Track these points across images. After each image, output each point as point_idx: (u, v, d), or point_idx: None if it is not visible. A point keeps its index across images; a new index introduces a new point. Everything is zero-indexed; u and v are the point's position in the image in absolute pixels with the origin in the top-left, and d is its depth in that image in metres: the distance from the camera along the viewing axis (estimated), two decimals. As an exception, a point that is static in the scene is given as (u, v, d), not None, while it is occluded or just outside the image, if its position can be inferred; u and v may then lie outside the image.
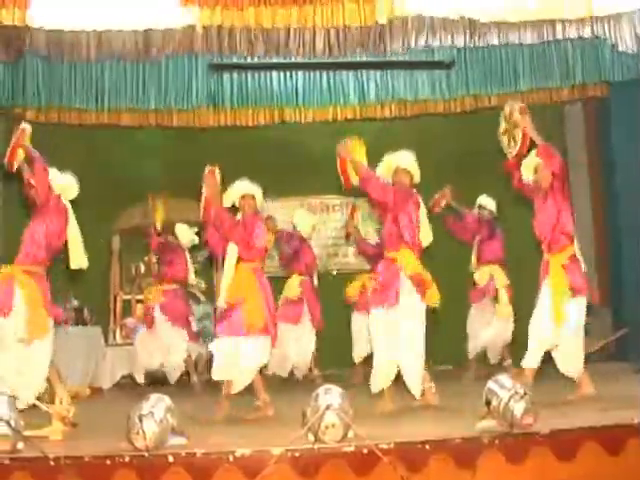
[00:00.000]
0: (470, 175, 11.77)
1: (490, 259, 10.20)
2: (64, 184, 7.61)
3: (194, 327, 10.79)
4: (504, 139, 8.12)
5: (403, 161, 7.82)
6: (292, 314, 10.26)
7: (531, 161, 7.87)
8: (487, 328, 10.12)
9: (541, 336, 7.51)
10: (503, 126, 8.17)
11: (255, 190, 7.92)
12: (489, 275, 10.12)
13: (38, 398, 7.06)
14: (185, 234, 10.63)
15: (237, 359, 7.42)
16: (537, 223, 7.79)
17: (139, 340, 10.49)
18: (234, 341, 7.41)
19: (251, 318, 7.42)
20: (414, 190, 7.78)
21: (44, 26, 8.13)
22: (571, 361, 7.65)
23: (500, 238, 10.32)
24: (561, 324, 7.45)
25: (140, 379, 10.50)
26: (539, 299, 7.61)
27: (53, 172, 7.54)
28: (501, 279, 10.07)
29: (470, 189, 10.49)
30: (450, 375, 10.33)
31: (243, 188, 7.89)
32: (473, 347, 10.39)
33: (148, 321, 10.39)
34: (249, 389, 7.59)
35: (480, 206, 10.41)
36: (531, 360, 7.55)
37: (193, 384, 10.30)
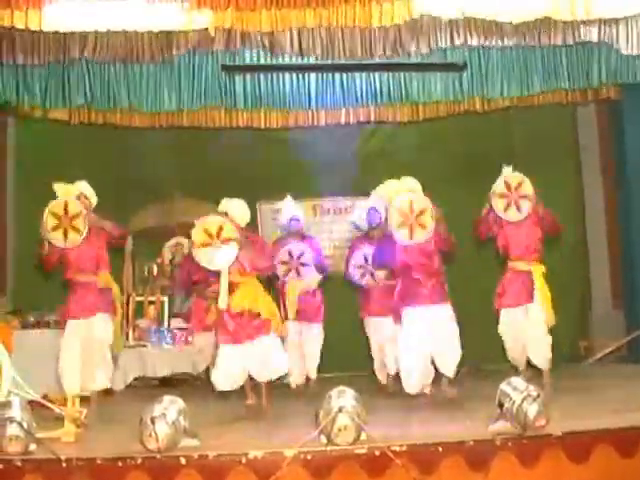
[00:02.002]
0: (482, 176, 11.75)
1: None
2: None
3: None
4: (499, 202, 8.27)
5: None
6: None
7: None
8: None
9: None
10: (501, 190, 8.32)
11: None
12: None
13: (50, 400, 7.10)
14: None
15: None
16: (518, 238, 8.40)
17: None
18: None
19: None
20: None
21: (56, 28, 8.13)
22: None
23: None
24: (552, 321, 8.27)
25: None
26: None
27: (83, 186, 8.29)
28: None
29: (483, 190, 10.45)
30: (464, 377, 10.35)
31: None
32: None
33: None
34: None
35: None
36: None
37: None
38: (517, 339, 8.35)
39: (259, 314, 7.79)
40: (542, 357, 8.22)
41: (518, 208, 8.22)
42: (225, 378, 7.73)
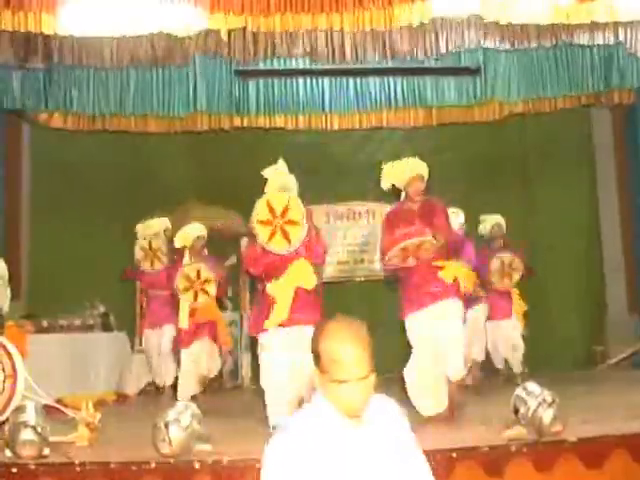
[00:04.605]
0: (497, 180, 11.75)
1: None
2: None
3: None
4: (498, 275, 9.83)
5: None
6: None
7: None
8: None
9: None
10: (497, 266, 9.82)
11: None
12: None
13: (64, 404, 7.11)
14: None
15: None
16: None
17: None
18: None
19: None
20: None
21: (70, 32, 8.13)
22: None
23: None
24: None
25: None
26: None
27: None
28: None
29: (497, 194, 10.45)
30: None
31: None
32: None
33: None
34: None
35: None
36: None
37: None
38: (496, 345, 10.11)
39: None
40: (517, 361, 10.00)
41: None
42: None
